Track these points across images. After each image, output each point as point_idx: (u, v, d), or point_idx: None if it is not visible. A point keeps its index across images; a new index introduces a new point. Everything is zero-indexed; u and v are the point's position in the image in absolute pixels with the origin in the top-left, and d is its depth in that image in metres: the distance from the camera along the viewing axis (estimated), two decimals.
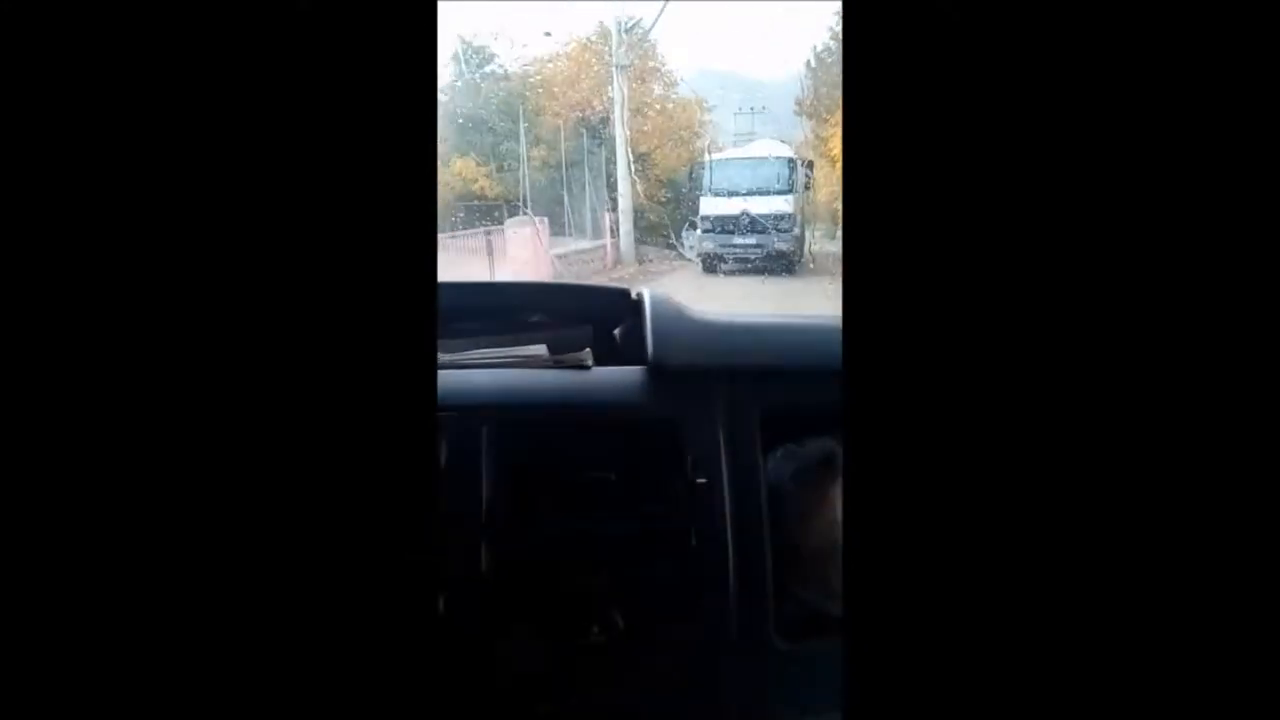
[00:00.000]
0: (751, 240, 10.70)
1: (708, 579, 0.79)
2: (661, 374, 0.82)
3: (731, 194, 11.01)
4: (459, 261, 8.63)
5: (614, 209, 12.58)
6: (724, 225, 10.83)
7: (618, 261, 11.64)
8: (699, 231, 11.25)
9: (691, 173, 12.90)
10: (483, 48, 16.15)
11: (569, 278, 9.97)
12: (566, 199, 13.69)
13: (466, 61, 16.07)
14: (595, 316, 0.99)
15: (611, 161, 12.83)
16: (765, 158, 11.83)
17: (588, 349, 0.89)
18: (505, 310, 1.00)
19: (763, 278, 10.09)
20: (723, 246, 10.81)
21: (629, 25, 13.30)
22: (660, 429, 0.82)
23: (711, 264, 10.95)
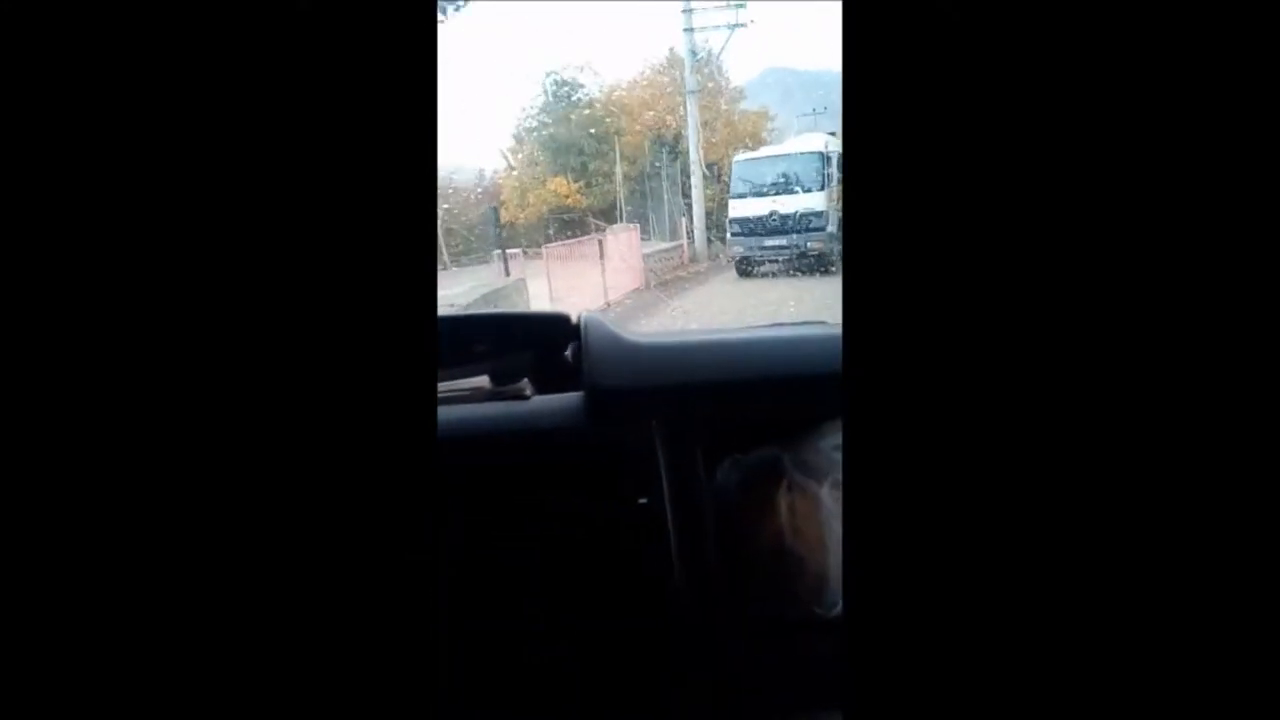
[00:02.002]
0: (781, 241, 9.51)
1: (654, 594, 0.74)
2: (598, 398, 0.76)
3: (759, 194, 9.92)
4: (573, 264, 8.75)
5: (689, 214, 12.60)
6: (752, 227, 9.75)
7: (693, 259, 11.55)
8: (728, 235, 10.22)
9: (719, 175, 11.80)
10: (572, 79, 16.55)
11: (655, 273, 10.06)
12: (649, 207, 13.82)
13: (555, 94, 16.45)
14: (539, 344, 0.92)
15: (686, 172, 12.86)
16: (792, 154, 10.48)
17: (525, 379, 0.84)
18: (449, 343, 0.92)
19: (799, 278, 9.02)
20: (751, 249, 9.75)
21: (700, 56, 13.30)
22: (600, 453, 0.76)
23: (745, 267, 9.93)
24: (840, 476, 0.75)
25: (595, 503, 0.76)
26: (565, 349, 0.91)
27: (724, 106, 15.91)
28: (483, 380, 0.85)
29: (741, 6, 12.35)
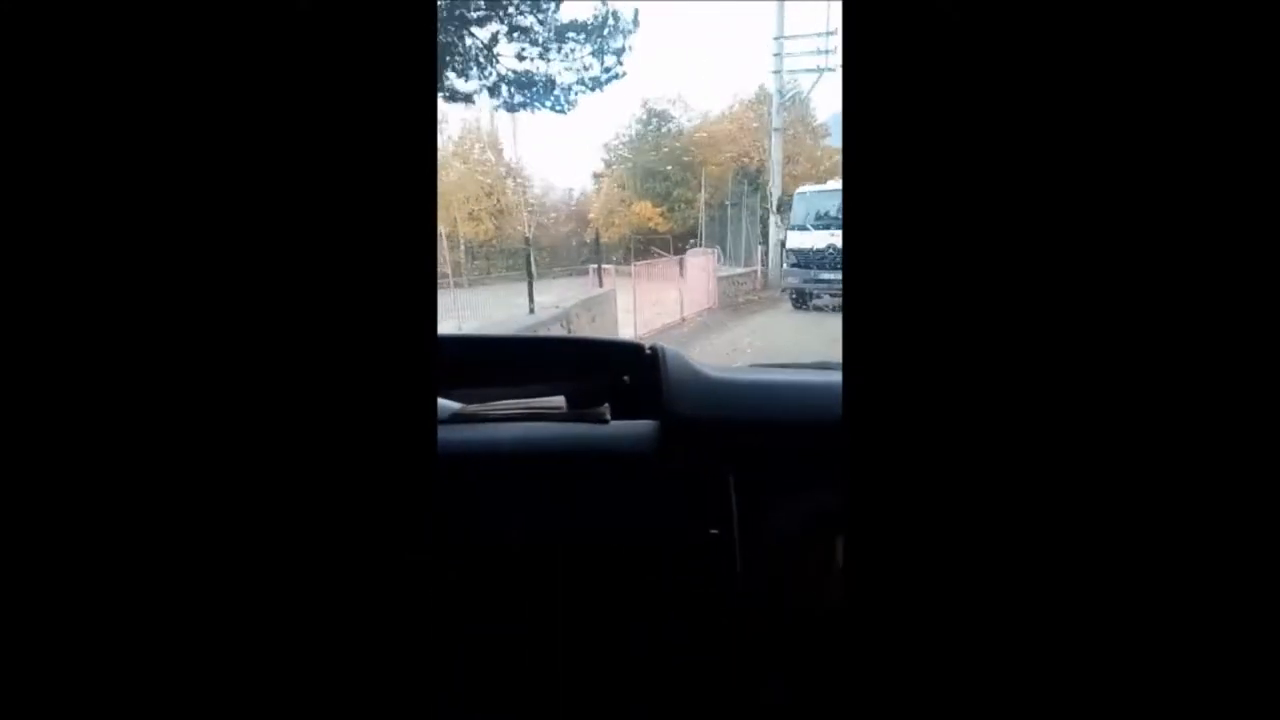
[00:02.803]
0: (836, 275, 8.68)
1: (721, 630, 0.72)
2: (676, 426, 0.75)
3: (818, 227, 9.44)
4: (654, 282, 8.78)
5: (764, 242, 12.55)
6: (809, 260, 9.30)
7: (764, 285, 11.46)
8: (784, 266, 9.85)
9: (779, 207, 11.21)
10: (663, 110, 16.84)
11: (727, 296, 9.97)
12: (727, 234, 13.83)
13: (646, 123, 16.76)
14: (610, 370, 0.91)
15: (765, 203, 12.83)
16: None
17: (606, 404, 0.81)
18: (521, 363, 0.91)
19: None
20: (807, 281, 9.29)
21: (789, 95, 13.27)
22: (674, 481, 0.74)
23: (799, 300, 9.45)
24: None
25: (667, 529, 0.74)
26: (633, 376, 0.89)
27: (808, 143, 15.79)
28: (559, 400, 0.84)
29: (829, 52, 12.22)
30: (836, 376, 0.83)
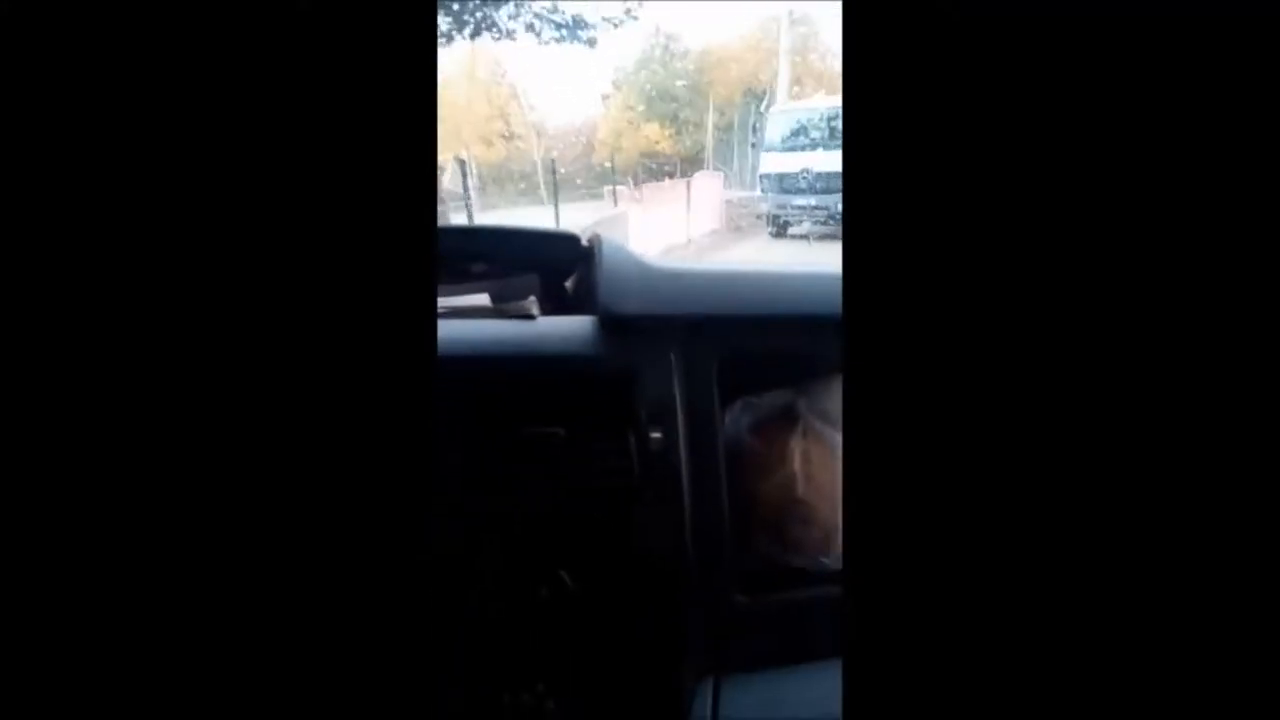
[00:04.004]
0: (812, 200, 7.97)
1: (663, 536, 0.66)
2: (611, 324, 0.66)
3: (789, 149, 8.32)
4: (662, 205, 8.32)
5: None
6: (783, 184, 8.27)
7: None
8: (758, 191, 8.65)
9: (753, 126, 9.76)
10: (672, 31, 16.03)
11: (733, 219, 9.66)
12: (735, 157, 13.43)
13: (655, 44, 15.96)
14: (544, 264, 0.80)
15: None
16: (829, 108, 8.49)
17: (532, 297, 0.73)
18: (449, 256, 0.79)
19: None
20: (781, 208, 8.27)
21: (797, 16, 12.48)
22: (611, 383, 0.66)
23: (776, 228, 8.41)
24: None
25: (605, 436, 0.66)
26: (572, 272, 0.79)
27: (817, 65, 15.05)
28: (483, 298, 0.75)
29: None
30: (807, 270, 0.75)
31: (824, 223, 8.10)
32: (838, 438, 0.68)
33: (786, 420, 0.70)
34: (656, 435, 0.65)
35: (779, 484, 0.70)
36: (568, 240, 0.78)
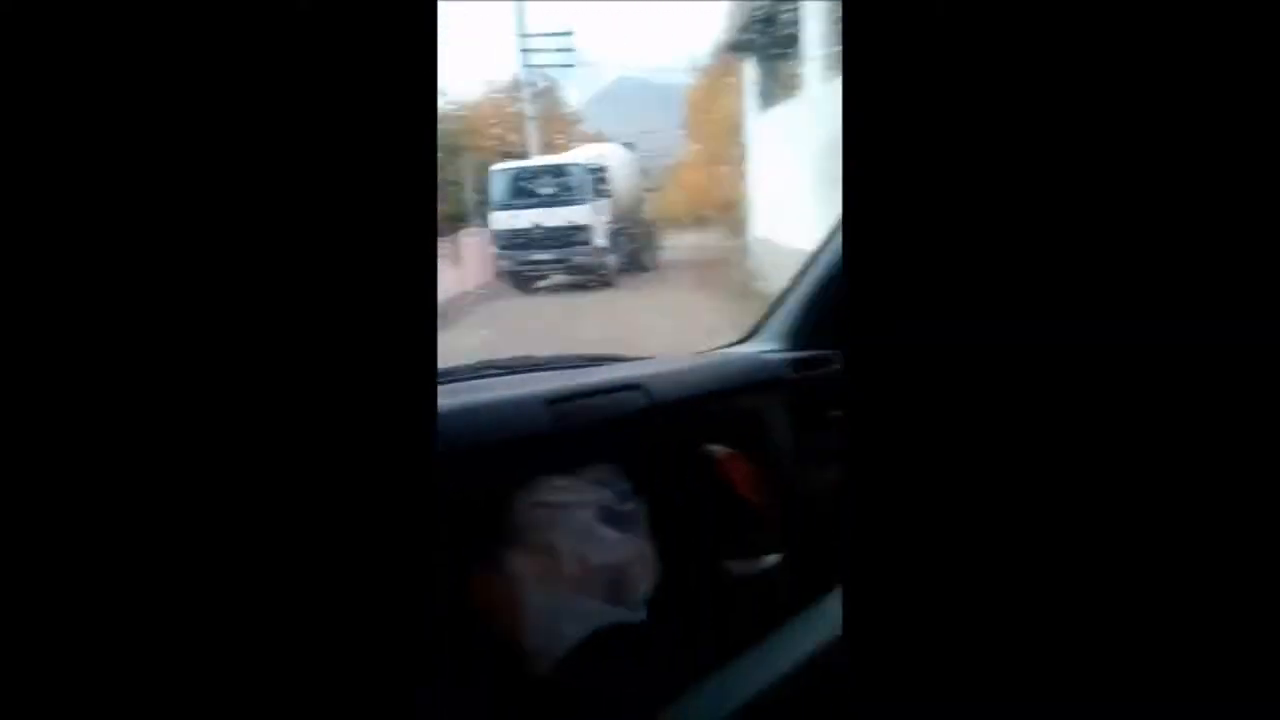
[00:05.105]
0: (546, 255, 8.09)
1: None
2: None
3: (518, 207, 8.31)
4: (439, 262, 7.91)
5: None
6: (515, 240, 8.22)
7: None
8: (495, 249, 8.45)
9: (482, 185, 9.46)
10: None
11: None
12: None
13: None
14: None
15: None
16: (559, 164, 8.71)
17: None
18: None
19: (581, 293, 7.66)
20: (520, 264, 8.23)
21: (538, 85, 13.31)
22: None
23: (519, 283, 8.31)
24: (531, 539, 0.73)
25: None
26: None
27: (565, 128, 16.15)
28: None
29: (570, 49, 12.35)
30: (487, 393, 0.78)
31: (569, 274, 8.25)
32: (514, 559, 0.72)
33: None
34: None
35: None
36: None
